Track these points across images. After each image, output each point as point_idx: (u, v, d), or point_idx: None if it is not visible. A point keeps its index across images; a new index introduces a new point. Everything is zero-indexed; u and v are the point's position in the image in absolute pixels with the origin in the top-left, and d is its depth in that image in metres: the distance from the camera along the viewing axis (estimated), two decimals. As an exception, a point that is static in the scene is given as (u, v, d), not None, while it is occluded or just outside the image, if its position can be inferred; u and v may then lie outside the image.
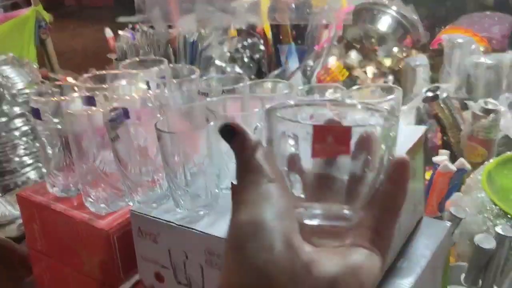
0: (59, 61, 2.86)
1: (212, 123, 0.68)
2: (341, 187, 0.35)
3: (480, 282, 0.83)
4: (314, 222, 0.35)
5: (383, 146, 0.35)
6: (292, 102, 0.37)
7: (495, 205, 0.88)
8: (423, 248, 0.72)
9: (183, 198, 0.71)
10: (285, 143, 0.35)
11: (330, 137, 0.32)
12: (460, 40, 1.57)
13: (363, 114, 0.36)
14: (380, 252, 0.35)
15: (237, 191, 0.36)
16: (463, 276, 0.85)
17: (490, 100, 1.13)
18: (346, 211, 0.35)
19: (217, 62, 1.96)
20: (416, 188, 0.74)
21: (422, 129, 0.74)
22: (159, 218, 0.70)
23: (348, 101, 0.34)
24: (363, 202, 0.36)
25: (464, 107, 1.33)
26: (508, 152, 1.05)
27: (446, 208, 1.00)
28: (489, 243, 0.79)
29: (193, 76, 0.86)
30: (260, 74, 1.94)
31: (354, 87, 0.74)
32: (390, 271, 0.68)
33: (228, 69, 1.96)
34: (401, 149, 0.68)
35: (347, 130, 0.33)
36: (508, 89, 1.50)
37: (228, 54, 1.99)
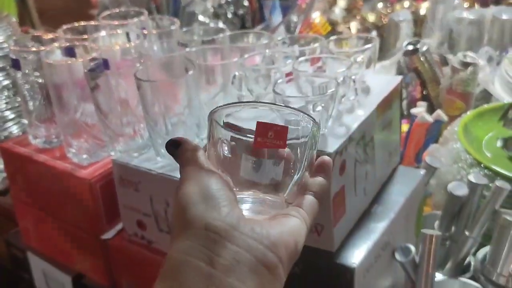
0: (40, 20, 2.81)
1: (191, 72, 0.69)
2: (265, 185, 0.40)
3: (453, 228, 0.86)
4: (245, 206, 0.40)
5: (311, 147, 0.41)
6: (234, 104, 0.42)
7: (469, 155, 0.91)
8: (397, 195, 0.74)
9: (163, 147, 0.72)
10: (221, 147, 0.40)
11: (271, 133, 0.38)
12: (443, -5, 1.57)
13: (295, 116, 0.40)
14: (307, 224, 0.40)
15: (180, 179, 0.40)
16: (437, 223, 0.88)
17: (469, 53, 1.14)
18: (270, 197, 0.41)
19: (200, 17, 1.94)
20: (391, 138, 0.76)
21: (398, 79, 0.75)
22: (140, 167, 0.72)
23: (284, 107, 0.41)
24: (289, 193, 0.41)
25: (445, 63, 1.34)
26: (485, 105, 1.07)
27: (423, 158, 1.03)
28: (462, 191, 0.81)
29: (172, 27, 0.86)
30: (244, 30, 1.92)
31: (332, 37, 0.75)
32: (366, 216, 0.70)
33: (212, 25, 1.94)
34: (377, 98, 0.70)
35: (285, 129, 0.38)
36: (489, 44, 1.51)
37: (212, 10, 1.97)
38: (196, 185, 0.38)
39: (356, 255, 0.63)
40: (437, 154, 0.97)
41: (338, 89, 0.60)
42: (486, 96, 1.24)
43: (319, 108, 0.57)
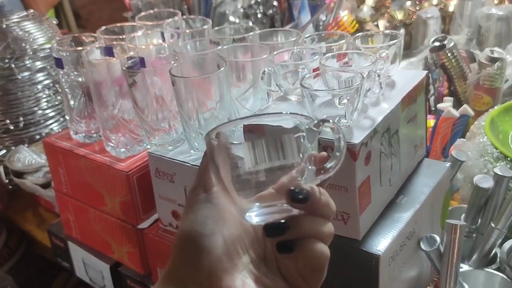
0: (76, 22, 2.90)
1: (222, 68, 0.72)
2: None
3: (479, 220, 0.88)
4: (261, 219, 0.42)
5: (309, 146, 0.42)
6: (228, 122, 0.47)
7: (496, 148, 0.92)
8: (422, 186, 0.76)
9: (197, 141, 0.76)
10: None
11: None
12: (472, -8, 1.57)
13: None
14: None
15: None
16: (463, 216, 0.90)
17: (496, 48, 1.15)
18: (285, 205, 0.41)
19: (231, 18, 1.98)
20: (416, 132, 0.78)
21: (423, 73, 0.77)
22: (175, 159, 0.76)
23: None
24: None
25: (473, 59, 1.35)
26: (513, 100, 1.08)
27: (450, 153, 1.04)
28: (487, 183, 0.83)
29: (205, 27, 0.90)
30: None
31: (359, 34, 0.78)
32: (391, 206, 0.73)
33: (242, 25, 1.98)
34: (401, 92, 0.72)
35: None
36: (519, 40, 1.50)
37: (242, 10, 2.01)
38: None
39: (381, 243, 0.66)
40: (464, 148, 0.98)
41: (363, 83, 0.62)
42: (514, 91, 1.25)
43: (344, 101, 0.60)
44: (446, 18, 1.67)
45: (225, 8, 1.96)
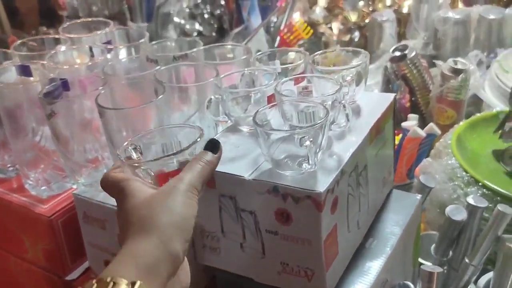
0: (11, 21, 2.67)
1: (161, 96, 0.61)
2: None
3: (451, 253, 0.80)
4: None
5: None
6: None
7: (466, 172, 0.84)
8: (393, 225, 0.67)
9: (132, 179, 0.64)
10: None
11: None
12: (428, -6, 1.51)
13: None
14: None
15: None
16: (433, 246, 0.82)
17: (460, 59, 1.08)
18: None
19: (176, 19, 1.85)
20: (385, 162, 0.69)
21: (390, 97, 0.68)
22: (107, 203, 0.64)
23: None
24: None
25: (432, 64, 1.28)
26: (478, 114, 1.01)
27: (416, 174, 0.96)
28: (460, 215, 0.75)
29: (141, 41, 0.78)
30: (222, 31, 1.84)
31: (319, 52, 0.68)
32: (360, 252, 0.63)
33: (188, 26, 1.85)
34: (369, 121, 0.63)
35: None
36: (475, 44, 1.45)
37: (187, 10, 1.89)
38: None
39: (351, 301, 0.56)
40: (431, 170, 0.91)
41: (328, 118, 0.52)
42: (477, 102, 1.19)
43: (307, 143, 0.49)
44: (402, 21, 1.61)
45: (169, 9, 1.82)
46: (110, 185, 0.49)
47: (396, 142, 0.97)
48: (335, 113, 0.58)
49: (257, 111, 0.54)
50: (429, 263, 0.82)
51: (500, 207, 0.71)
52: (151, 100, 0.60)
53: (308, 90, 0.62)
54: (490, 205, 0.78)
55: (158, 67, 0.69)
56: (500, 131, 0.91)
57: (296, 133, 0.51)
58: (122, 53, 0.78)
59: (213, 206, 0.57)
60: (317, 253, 0.54)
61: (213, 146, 0.49)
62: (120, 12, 1.90)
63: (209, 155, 0.48)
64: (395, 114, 0.70)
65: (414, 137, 0.89)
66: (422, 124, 1.06)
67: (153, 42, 0.77)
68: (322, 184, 0.52)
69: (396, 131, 1.03)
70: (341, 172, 0.54)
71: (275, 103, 0.57)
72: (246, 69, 0.66)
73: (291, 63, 0.71)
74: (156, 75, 0.66)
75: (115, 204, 0.63)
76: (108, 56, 0.75)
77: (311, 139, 0.49)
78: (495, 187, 0.80)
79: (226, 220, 0.58)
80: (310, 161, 0.51)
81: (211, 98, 0.61)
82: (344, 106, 0.57)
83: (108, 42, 0.79)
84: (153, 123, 0.63)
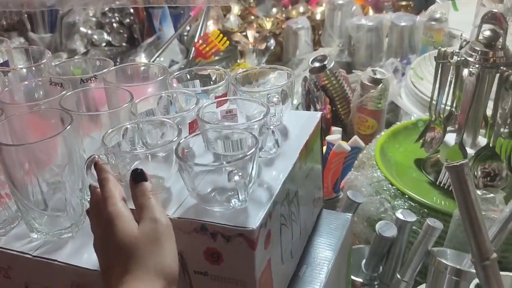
0: None
1: (68, 127, 0.54)
2: None
3: (381, 268, 0.79)
4: None
5: None
6: None
7: (392, 185, 0.84)
8: (326, 249, 0.64)
9: (38, 221, 0.57)
10: None
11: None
12: (340, 2, 1.51)
13: None
14: None
15: None
16: (363, 262, 0.81)
17: (378, 69, 1.08)
18: None
19: (82, 28, 1.74)
20: (315, 177, 0.66)
21: (317, 115, 0.65)
22: (9, 249, 0.56)
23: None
24: None
25: (349, 71, 1.29)
26: (398, 123, 1.02)
27: (342, 187, 0.95)
28: (391, 231, 0.74)
29: (42, 61, 0.70)
30: (132, 41, 1.75)
31: (240, 71, 0.64)
32: (293, 282, 0.60)
33: (96, 36, 1.75)
34: (298, 144, 0.60)
35: None
36: (388, 51, 1.48)
37: (94, 19, 1.79)
38: None
39: None
40: (357, 183, 0.89)
41: (257, 147, 0.48)
42: (395, 109, 1.20)
43: (236, 178, 0.45)
44: (316, 28, 1.61)
45: (74, 18, 1.71)
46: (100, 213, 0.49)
47: (321, 155, 0.95)
48: (263, 139, 0.54)
49: (179, 143, 0.49)
50: (359, 279, 0.80)
51: (430, 221, 0.71)
52: (57, 132, 0.53)
53: (233, 114, 0.58)
54: (417, 217, 0.77)
55: (64, 92, 0.61)
56: (421, 141, 0.91)
57: (223, 166, 0.46)
58: (21, 75, 0.69)
59: (134, 248, 0.51)
60: (251, 293, 0.49)
61: (140, 176, 0.48)
62: (20, 22, 1.76)
63: (148, 185, 0.48)
64: (322, 132, 0.67)
65: (339, 152, 0.87)
66: (344, 134, 1.06)
67: (57, 63, 0.70)
68: (254, 220, 0.47)
69: (319, 144, 1.02)
70: (273, 204, 0.51)
71: (198, 132, 0.52)
72: (163, 92, 0.60)
73: (212, 81, 0.67)
74: (61, 102, 0.58)
75: (20, 249, 0.56)
76: (5, 80, 0.66)
77: (240, 174, 0.45)
78: (422, 199, 0.80)
79: (150, 263, 0.52)
80: (240, 197, 0.46)
81: (127, 128, 0.55)
82: (273, 132, 0.53)
83: (5, 63, 0.71)
84: (61, 154, 0.56)
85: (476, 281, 0.62)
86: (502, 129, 0.82)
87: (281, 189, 0.53)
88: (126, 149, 0.55)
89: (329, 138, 0.90)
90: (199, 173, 0.48)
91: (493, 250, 0.62)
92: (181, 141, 0.49)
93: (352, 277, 0.79)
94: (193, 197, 0.50)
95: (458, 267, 0.67)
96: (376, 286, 0.80)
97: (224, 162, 0.47)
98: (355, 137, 0.91)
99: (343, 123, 1.11)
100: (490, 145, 0.82)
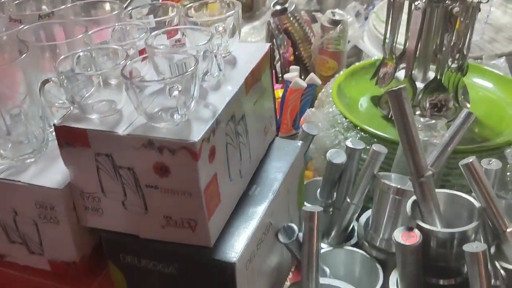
0: None
1: (24, 56, 0.58)
2: None
3: (335, 195, 0.84)
4: None
5: None
6: None
7: (346, 118, 0.89)
8: (276, 172, 0.69)
9: (2, 147, 0.61)
10: None
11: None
12: None
13: None
14: None
15: None
16: (318, 190, 0.86)
17: (337, 10, 1.12)
18: None
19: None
20: (265, 111, 0.71)
21: (266, 46, 0.69)
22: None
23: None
24: None
25: (314, 20, 1.32)
26: (357, 63, 1.06)
27: (301, 124, 0.99)
28: (340, 158, 0.79)
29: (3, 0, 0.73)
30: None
31: (193, 4, 0.67)
32: (244, 200, 0.65)
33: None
34: (244, 70, 0.64)
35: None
36: (356, -1, 1.51)
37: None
38: None
39: (236, 246, 0.58)
40: (314, 119, 0.94)
41: (198, 67, 0.52)
42: (357, 52, 1.24)
43: (175, 93, 0.49)
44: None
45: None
46: None
47: (281, 94, 0.99)
48: (208, 64, 0.58)
49: (125, 64, 0.53)
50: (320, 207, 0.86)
51: (375, 147, 0.75)
52: (14, 60, 0.57)
53: (181, 43, 0.61)
54: (368, 147, 0.82)
55: (22, 25, 0.65)
56: (376, 78, 0.95)
57: (165, 83, 0.50)
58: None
59: (90, 166, 0.56)
60: (198, 204, 0.54)
61: None
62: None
63: None
64: (272, 64, 0.71)
65: (295, 88, 0.91)
66: (307, 76, 1.09)
67: (16, 1, 0.72)
68: (197, 134, 0.52)
69: (281, 85, 1.06)
70: (216, 122, 0.55)
71: (146, 55, 0.56)
72: (116, 24, 0.64)
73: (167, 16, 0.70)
74: (19, 35, 0.62)
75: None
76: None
77: (180, 89, 0.49)
78: (372, 129, 0.85)
79: (105, 179, 0.56)
80: (179, 111, 0.50)
81: (79, 55, 0.59)
82: (215, 56, 0.57)
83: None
84: (21, 86, 0.60)
85: (414, 197, 0.68)
86: (450, 63, 0.86)
87: (225, 109, 0.57)
88: None
89: (286, 76, 0.94)
90: (145, 92, 0.52)
91: (429, 169, 0.67)
92: (128, 63, 0.53)
93: (308, 205, 0.84)
94: (141, 116, 0.54)
95: (399, 186, 0.72)
96: (331, 211, 0.85)
97: (167, 79, 0.51)
98: (312, 74, 0.95)
99: (306, 65, 1.15)
100: (438, 78, 0.87)
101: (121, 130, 0.53)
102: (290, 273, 0.80)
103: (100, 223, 0.60)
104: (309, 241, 0.65)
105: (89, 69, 0.59)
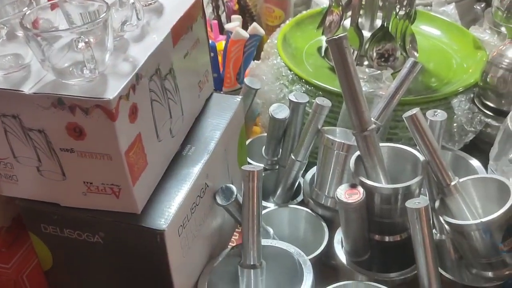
0: None
1: None
2: None
3: (280, 151, 0.80)
4: None
5: None
6: None
7: (290, 70, 0.84)
8: (212, 130, 0.65)
9: None
10: None
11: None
12: None
13: None
14: None
15: None
16: (263, 148, 0.82)
17: (282, -44, 1.05)
18: None
19: None
20: (198, 65, 0.65)
21: (198, -8, 0.63)
22: None
23: None
24: None
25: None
26: (304, 12, 1.00)
27: (245, 77, 0.94)
28: (283, 113, 0.75)
29: None
30: None
31: None
32: (177, 160, 0.60)
33: None
34: (171, 19, 0.58)
35: None
36: None
37: None
38: None
39: (166, 213, 0.53)
40: (258, 72, 0.89)
41: (110, 15, 0.46)
42: (306, 1, 1.18)
43: (81, 44, 0.43)
44: None
45: None
46: None
47: (222, 47, 0.93)
48: (127, 12, 0.52)
49: (26, 12, 0.46)
50: (261, 165, 0.82)
51: (318, 100, 0.71)
52: None
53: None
54: (313, 100, 0.78)
55: None
56: (322, 27, 0.90)
57: (69, 30, 0.44)
58: None
59: (-3, 129, 0.50)
60: (119, 167, 0.49)
61: None
62: None
63: None
64: (204, 12, 0.65)
65: (237, 39, 0.86)
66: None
67: None
68: (112, 91, 0.46)
69: (224, 36, 1.00)
70: (136, 76, 0.49)
71: (54, 1, 0.50)
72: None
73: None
74: None
75: None
76: None
77: (86, 40, 0.43)
78: (317, 82, 0.81)
79: (15, 143, 0.51)
80: (88, 66, 0.45)
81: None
82: (133, 3, 0.51)
83: None
84: None
85: (358, 153, 0.64)
86: (398, 10, 0.82)
87: (148, 62, 0.51)
88: None
89: (227, 26, 0.88)
90: (54, 46, 0.46)
91: (373, 122, 0.64)
92: (30, 11, 0.47)
93: (253, 162, 0.80)
94: (49, 72, 0.48)
95: (343, 141, 0.69)
96: (276, 169, 0.82)
97: (72, 29, 0.45)
98: (254, 24, 0.89)
99: (253, 15, 1.09)
100: (385, 26, 0.82)
101: (27, 88, 0.48)
102: (237, 234, 0.77)
103: (15, 192, 0.55)
104: (249, 201, 0.61)
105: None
